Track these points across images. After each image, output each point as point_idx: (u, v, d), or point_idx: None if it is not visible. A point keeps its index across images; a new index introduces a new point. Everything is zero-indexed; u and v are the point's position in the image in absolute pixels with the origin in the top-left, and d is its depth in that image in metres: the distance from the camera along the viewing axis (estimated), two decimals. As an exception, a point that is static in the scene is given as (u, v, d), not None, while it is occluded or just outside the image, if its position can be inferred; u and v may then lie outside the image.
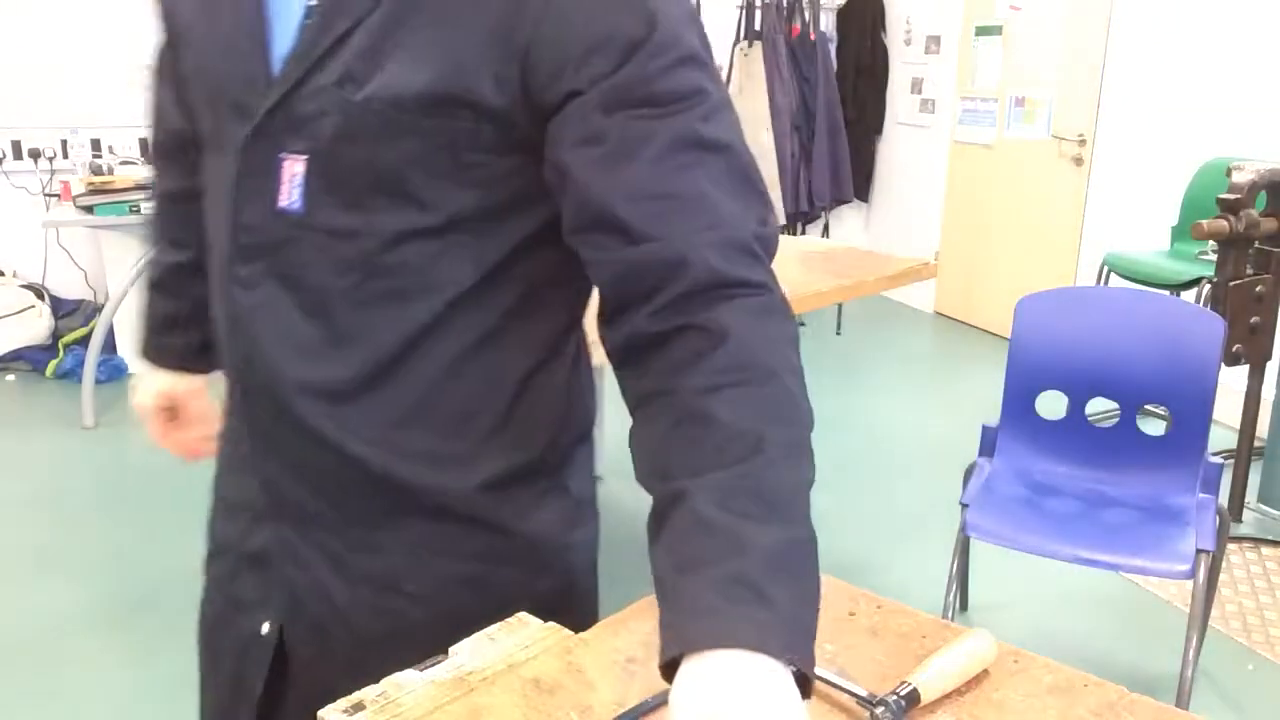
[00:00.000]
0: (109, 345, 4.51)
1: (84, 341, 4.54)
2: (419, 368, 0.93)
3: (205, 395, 1.27)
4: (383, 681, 0.95)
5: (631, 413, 0.82)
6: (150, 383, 1.26)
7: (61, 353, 4.66)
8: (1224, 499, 2.69)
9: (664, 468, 0.77)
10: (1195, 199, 4.22)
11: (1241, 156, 3.65)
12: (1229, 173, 3.09)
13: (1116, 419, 2.49)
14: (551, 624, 1.05)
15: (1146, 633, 2.75)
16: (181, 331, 1.24)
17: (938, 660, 0.90)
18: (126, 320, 4.32)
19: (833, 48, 6.10)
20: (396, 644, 0.95)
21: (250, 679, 1.06)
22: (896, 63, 6.09)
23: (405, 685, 0.94)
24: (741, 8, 5.77)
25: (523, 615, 1.06)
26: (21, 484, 3.64)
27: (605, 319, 0.83)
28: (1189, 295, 3.90)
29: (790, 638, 0.68)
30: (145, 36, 1.23)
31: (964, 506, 2.34)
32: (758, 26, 5.76)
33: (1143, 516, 2.32)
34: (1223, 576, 2.92)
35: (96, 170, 4.54)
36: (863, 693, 0.88)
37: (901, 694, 0.87)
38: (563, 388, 1.01)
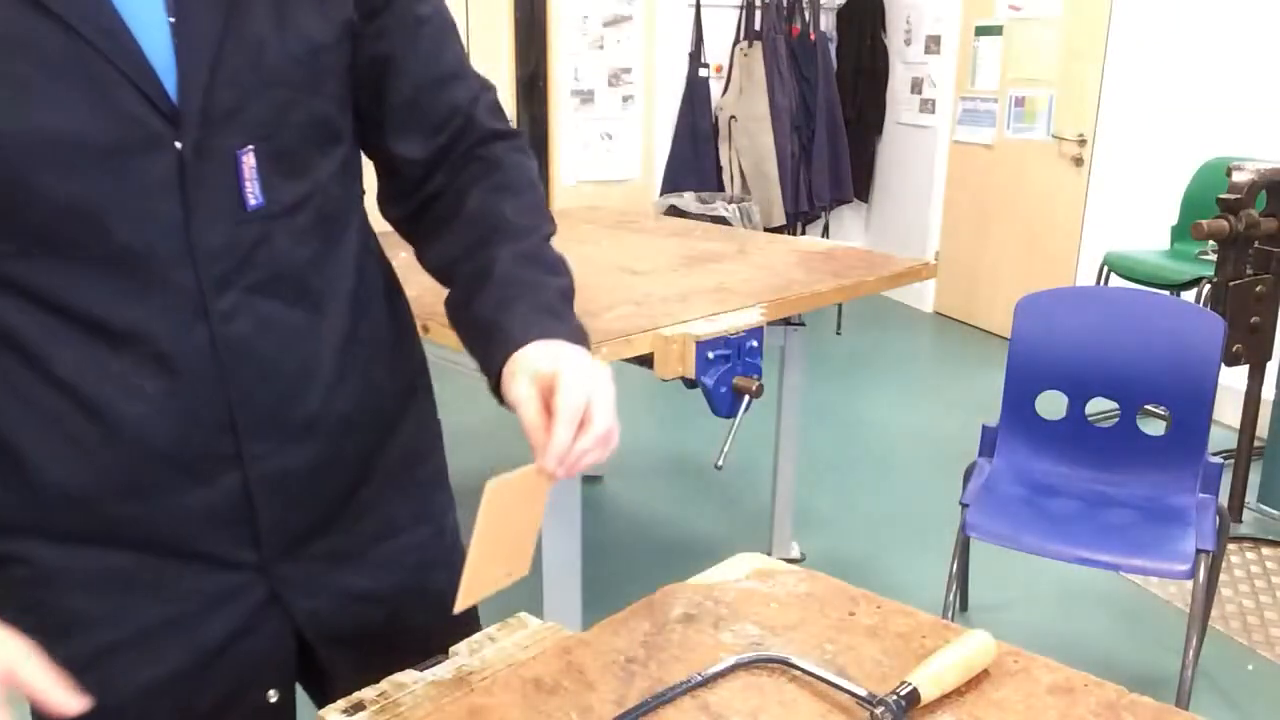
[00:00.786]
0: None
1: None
2: (364, 295, 1.02)
3: None
4: (383, 681, 0.95)
5: (426, 238, 1.04)
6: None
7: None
8: (1224, 499, 2.69)
9: (468, 252, 0.99)
10: (1195, 199, 4.22)
11: (1241, 156, 3.65)
12: (1229, 173, 3.09)
13: (1116, 419, 2.49)
14: (551, 624, 1.05)
15: (1146, 633, 2.75)
16: None
17: (937, 660, 0.90)
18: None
19: (833, 48, 6.10)
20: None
21: None
22: (896, 63, 6.09)
23: (405, 685, 0.94)
24: (741, 8, 5.77)
25: (522, 615, 1.06)
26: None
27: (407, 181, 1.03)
28: (1189, 295, 3.90)
29: (580, 338, 0.94)
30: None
31: (964, 506, 2.34)
32: (758, 27, 5.76)
33: (1143, 516, 2.32)
34: (1223, 576, 2.92)
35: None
36: (862, 693, 0.88)
37: (901, 694, 0.87)
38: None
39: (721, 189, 5.74)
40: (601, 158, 5.58)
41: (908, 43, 5.96)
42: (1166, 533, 2.23)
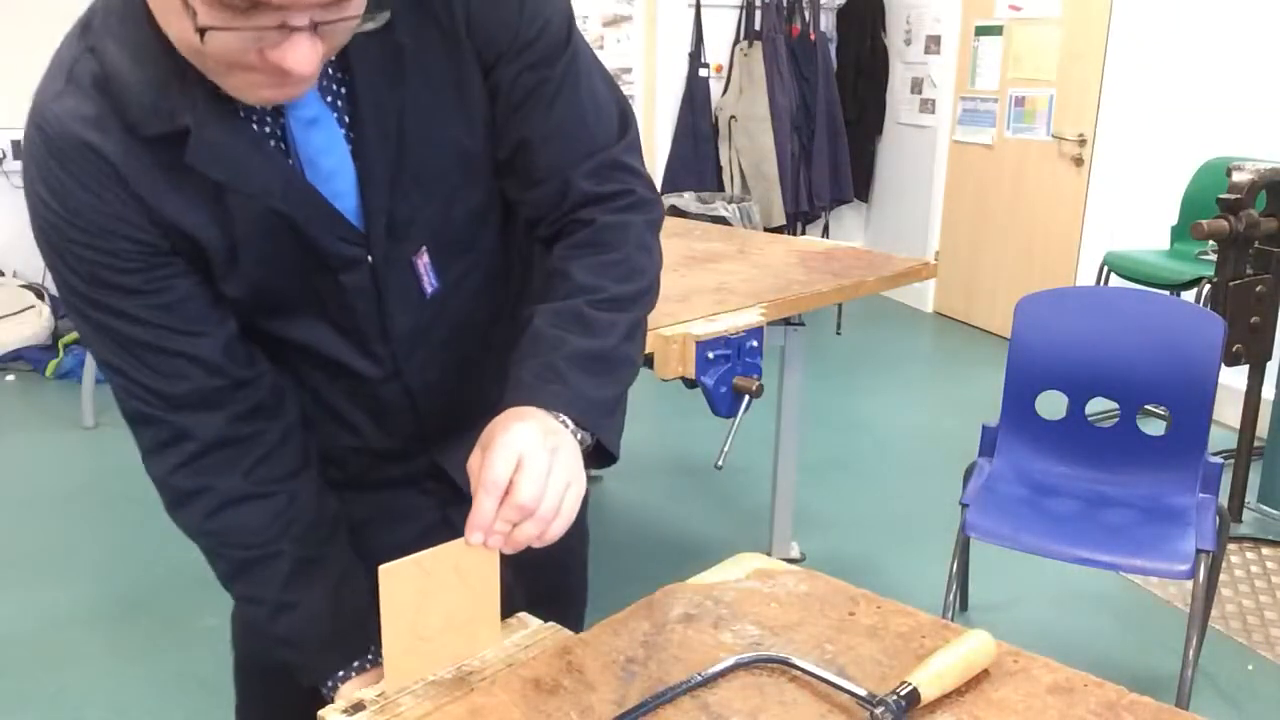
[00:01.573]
0: (109, 345, 4.51)
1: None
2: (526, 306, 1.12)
3: None
4: (381, 681, 0.95)
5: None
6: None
7: (61, 353, 4.65)
8: (1224, 499, 2.69)
9: (535, 303, 1.02)
10: (1195, 199, 4.21)
11: (1241, 156, 3.65)
12: (1229, 173, 3.09)
13: (1116, 419, 2.49)
14: (551, 624, 1.05)
15: (1146, 633, 2.75)
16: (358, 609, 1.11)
17: (937, 660, 0.90)
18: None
19: (833, 48, 6.10)
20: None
21: None
22: (896, 63, 6.09)
23: (405, 685, 0.94)
24: (741, 8, 5.77)
25: (522, 615, 1.06)
26: (21, 484, 3.64)
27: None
28: (1189, 295, 3.89)
29: (576, 407, 0.94)
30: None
31: (964, 506, 2.34)
32: (758, 27, 5.76)
33: (1143, 516, 2.32)
34: (1223, 576, 2.91)
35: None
36: (862, 693, 0.88)
37: (901, 694, 0.87)
38: None
39: (721, 189, 5.74)
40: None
41: (908, 43, 5.95)
42: (1166, 533, 2.23)
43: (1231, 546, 3.11)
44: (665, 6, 5.63)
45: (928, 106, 5.84)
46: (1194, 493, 2.34)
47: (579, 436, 0.94)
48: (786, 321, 2.76)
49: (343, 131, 0.96)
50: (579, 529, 1.35)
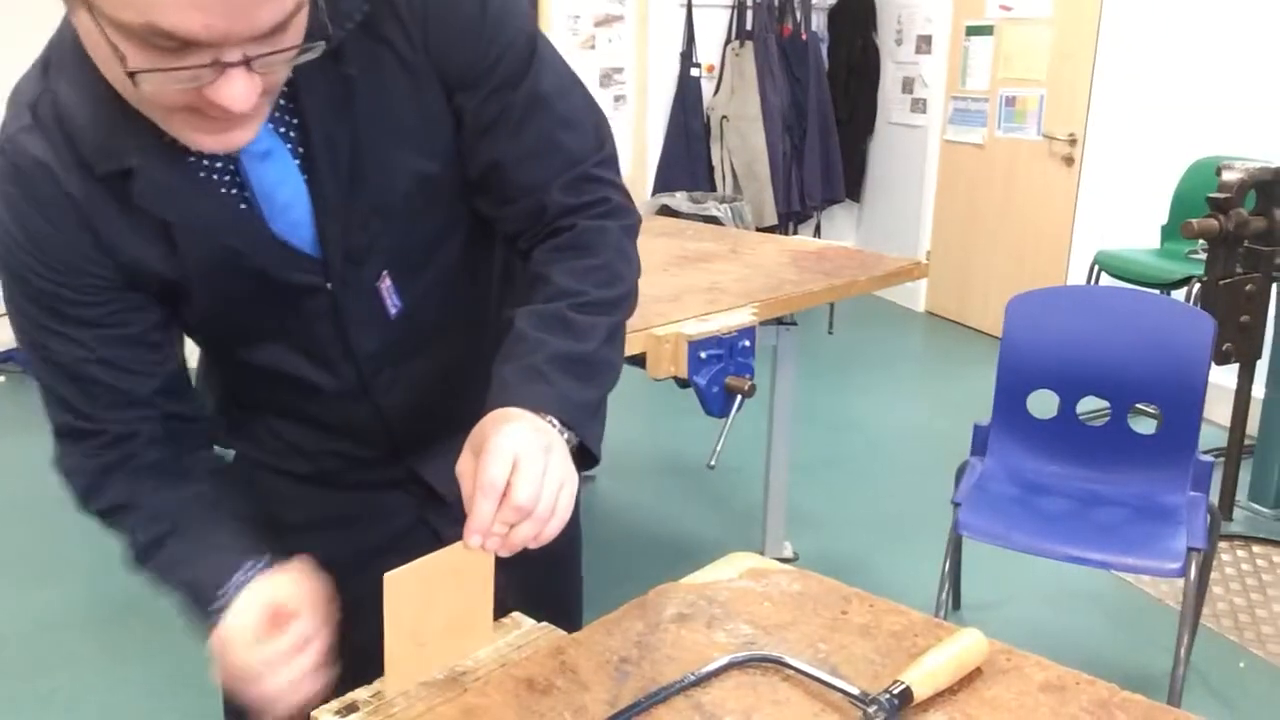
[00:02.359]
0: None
1: (74, 343, 4.51)
2: (499, 313, 1.15)
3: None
4: (375, 682, 0.95)
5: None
6: (237, 613, 0.95)
7: (52, 354, 4.63)
8: (1215, 497, 2.70)
9: (515, 308, 1.02)
10: (1185, 198, 4.23)
11: (1231, 155, 3.66)
12: (1219, 172, 3.10)
13: (1107, 418, 2.49)
14: (544, 624, 1.05)
15: (1138, 631, 2.76)
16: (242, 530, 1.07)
17: (930, 659, 0.91)
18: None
19: (824, 47, 6.10)
20: None
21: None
22: (888, 62, 6.10)
23: (404, 689, 0.94)
24: (733, 8, 5.77)
25: (516, 615, 1.06)
26: (13, 485, 3.63)
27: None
28: (1179, 294, 3.91)
29: (562, 408, 0.94)
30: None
31: (956, 505, 2.34)
32: (749, 26, 5.76)
33: (1134, 515, 2.33)
34: (1214, 574, 2.92)
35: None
36: (855, 691, 0.89)
37: (894, 692, 0.87)
38: None
39: (713, 189, 5.74)
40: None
41: (899, 42, 5.96)
42: (1157, 531, 2.24)
43: (1222, 545, 3.12)
44: (656, 6, 5.63)
45: (919, 106, 5.85)
46: (1185, 491, 2.34)
47: (565, 437, 0.94)
48: (779, 321, 2.77)
49: (296, 163, 0.96)
50: (572, 529, 1.35)
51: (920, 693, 0.88)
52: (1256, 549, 3.15)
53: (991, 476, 2.47)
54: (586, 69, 5.48)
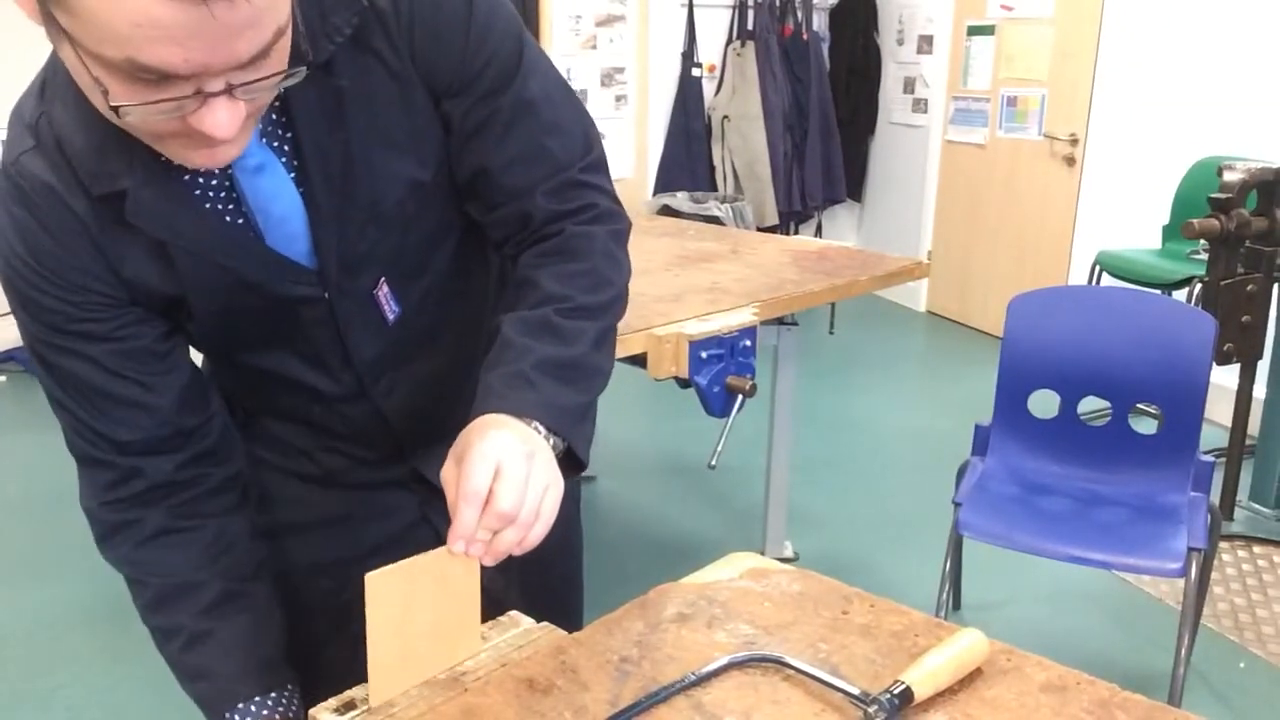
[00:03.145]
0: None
1: (75, 342, 4.52)
2: (493, 314, 1.15)
3: None
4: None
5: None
6: None
7: (53, 353, 4.63)
8: (1215, 497, 2.70)
9: (503, 313, 1.03)
10: (1186, 198, 4.23)
11: (1232, 156, 3.66)
12: (1220, 172, 3.09)
13: (1108, 418, 2.49)
14: (545, 623, 1.05)
15: (1139, 631, 2.76)
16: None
17: (931, 658, 0.91)
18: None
19: (825, 47, 6.10)
20: None
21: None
22: (889, 62, 6.09)
23: (389, 696, 0.94)
24: (734, 8, 5.77)
25: (514, 614, 1.06)
26: (14, 484, 3.63)
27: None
28: (1180, 294, 3.90)
29: (548, 413, 0.94)
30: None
31: (957, 505, 2.34)
32: (750, 26, 5.76)
33: (1135, 515, 2.33)
34: (1214, 575, 2.92)
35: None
36: (856, 691, 0.89)
37: (894, 692, 0.87)
38: None
39: (714, 189, 5.74)
40: (595, 157, 5.57)
41: (900, 42, 5.96)
42: (1158, 531, 2.24)
43: (1223, 545, 3.12)
44: (658, 6, 5.63)
45: (920, 106, 5.85)
46: (1186, 491, 2.34)
47: (551, 442, 0.94)
48: (780, 321, 2.77)
49: (291, 175, 0.96)
50: (573, 529, 1.35)
51: (921, 693, 0.88)
52: (1257, 549, 3.15)
53: (992, 476, 2.47)
54: (588, 69, 5.48)
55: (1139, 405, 2.55)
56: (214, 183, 0.95)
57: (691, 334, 2.19)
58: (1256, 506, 3.38)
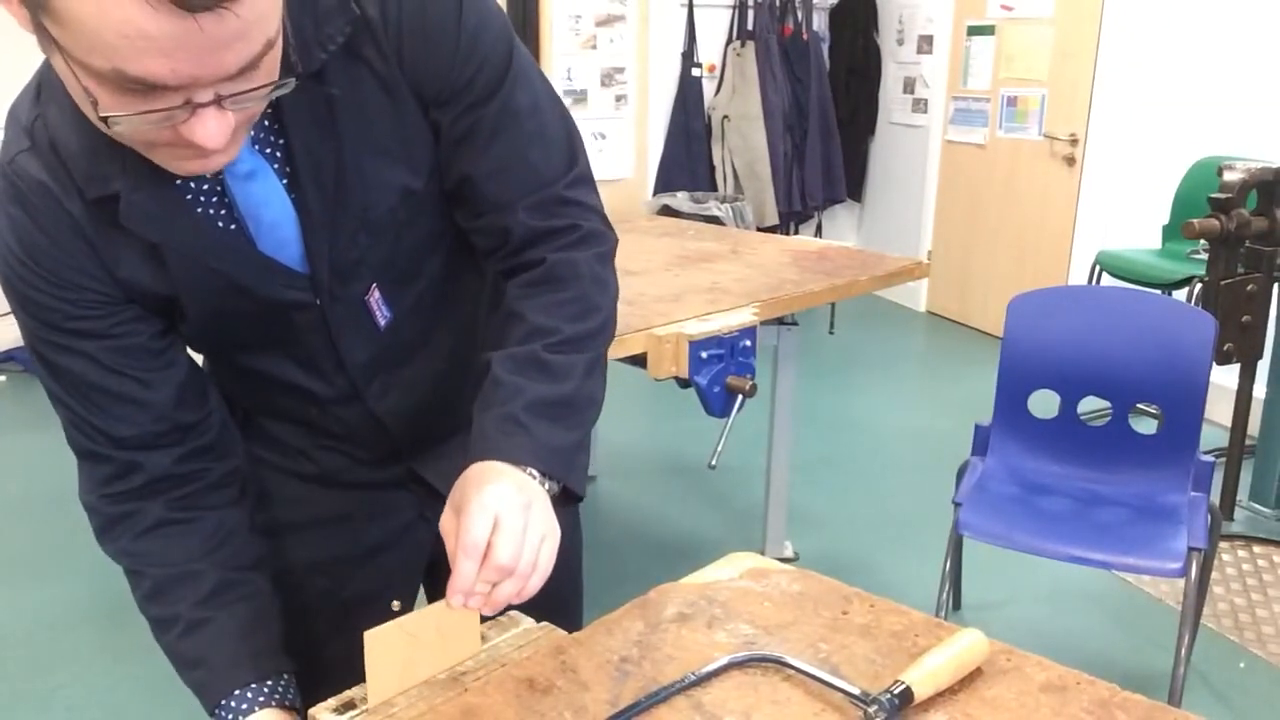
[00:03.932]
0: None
1: (76, 342, 4.51)
2: (485, 313, 1.19)
3: None
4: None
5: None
6: None
7: (53, 353, 4.63)
8: (1215, 497, 2.70)
9: (486, 349, 1.03)
10: (1186, 198, 4.23)
11: (1232, 155, 3.66)
12: (1220, 172, 3.10)
13: (1108, 418, 2.49)
14: (545, 624, 1.05)
15: (1139, 631, 2.76)
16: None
17: (931, 658, 0.91)
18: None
19: (825, 47, 6.10)
20: None
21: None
22: (889, 62, 6.09)
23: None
24: (734, 8, 5.77)
25: (514, 614, 1.06)
26: (14, 484, 3.63)
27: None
28: (1180, 294, 3.90)
29: (542, 458, 0.94)
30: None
31: (957, 505, 2.34)
32: (750, 26, 5.76)
33: (1135, 515, 2.33)
34: (1214, 574, 2.92)
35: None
36: (856, 691, 0.89)
37: (894, 692, 0.87)
38: None
39: (714, 189, 5.74)
40: (594, 158, 5.47)
41: (900, 42, 5.96)
42: (1158, 531, 2.24)
43: (1223, 545, 3.12)
44: (658, 6, 5.63)
45: (920, 106, 5.84)
46: (1186, 491, 2.34)
47: (546, 486, 0.94)
48: (780, 321, 2.77)
49: (283, 182, 0.97)
50: (574, 530, 1.35)
51: (921, 693, 0.88)
52: (1257, 549, 3.15)
53: (992, 476, 2.47)
54: (588, 69, 5.48)
55: (1139, 405, 2.55)
56: (206, 187, 0.95)
57: (691, 334, 2.20)
58: (1256, 506, 3.38)
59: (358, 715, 0.91)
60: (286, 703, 1.04)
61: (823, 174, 5.93)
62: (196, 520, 1.07)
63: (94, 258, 0.95)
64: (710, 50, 5.80)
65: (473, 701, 0.92)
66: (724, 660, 0.95)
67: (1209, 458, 2.36)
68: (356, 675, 0.93)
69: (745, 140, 5.72)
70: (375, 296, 1.06)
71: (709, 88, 5.82)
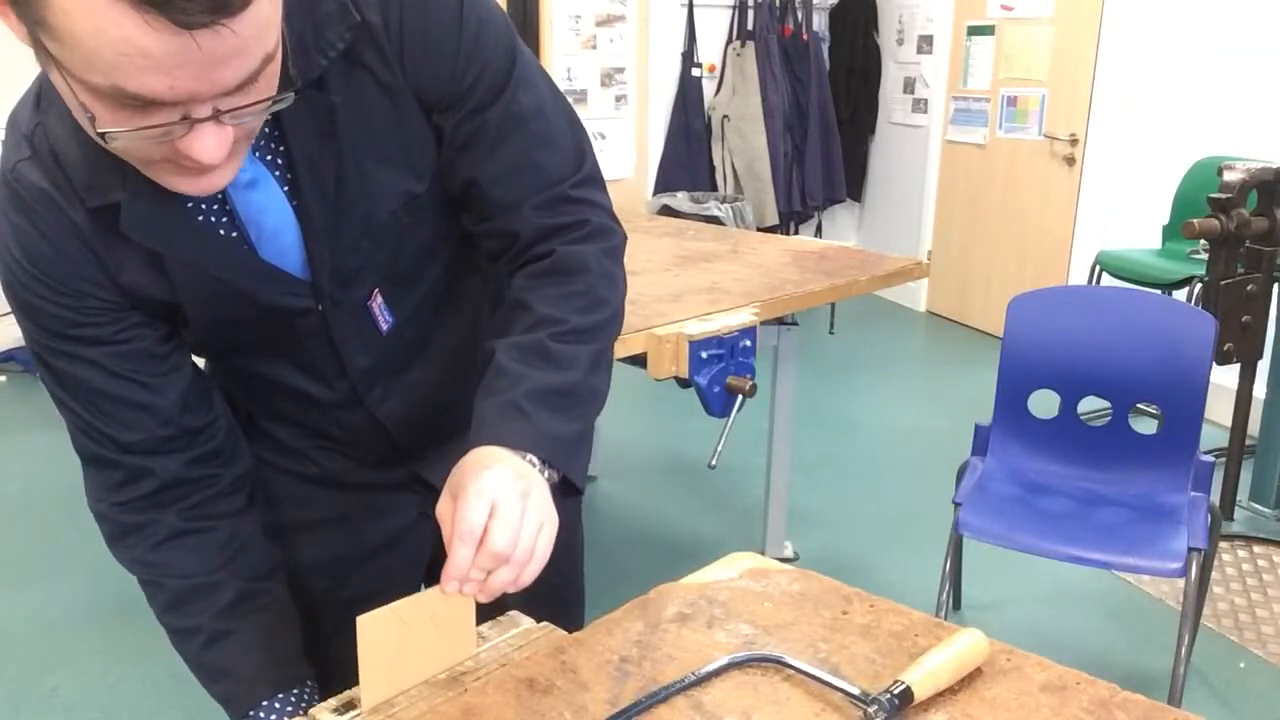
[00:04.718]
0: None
1: (76, 342, 4.51)
2: (485, 315, 1.20)
3: None
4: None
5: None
6: None
7: (53, 353, 4.63)
8: (1216, 497, 2.70)
9: (490, 339, 1.02)
10: (1186, 198, 4.23)
11: (1232, 155, 3.66)
12: (1220, 172, 3.09)
13: (1108, 418, 2.49)
14: (545, 623, 1.05)
15: (1139, 631, 2.76)
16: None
17: (931, 658, 0.91)
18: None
19: (825, 47, 6.10)
20: None
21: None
22: (889, 62, 6.09)
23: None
24: (734, 8, 5.77)
25: (514, 614, 1.06)
26: (14, 485, 3.63)
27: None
28: (1180, 294, 3.90)
29: (542, 446, 0.93)
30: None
31: (957, 505, 2.34)
32: (750, 26, 5.76)
33: (1135, 515, 2.33)
34: (1214, 574, 2.92)
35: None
36: (856, 691, 0.89)
37: (894, 692, 0.87)
38: None
39: (714, 189, 5.74)
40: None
41: (900, 42, 5.96)
42: (1158, 531, 2.24)
43: (1223, 545, 3.12)
44: (658, 6, 5.63)
45: (920, 106, 5.84)
46: (1186, 491, 2.34)
47: (546, 474, 0.94)
48: (780, 321, 2.77)
49: (284, 189, 0.97)
50: (574, 529, 1.35)
51: (921, 693, 0.88)
52: (1257, 549, 3.15)
53: (992, 476, 2.47)
54: (588, 69, 5.48)
55: (1139, 405, 2.55)
56: (206, 195, 0.95)
57: (691, 334, 2.20)
58: (1256, 506, 3.38)
59: (358, 715, 0.91)
60: (303, 709, 1.05)
61: (823, 174, 5.93)
62: (211, 530, 1.07)
63: (97, 265, 0.95)
64: (710, 50, 5.80)
65: (473, 701, 0.92)
66: (724, 660, 0.95)
67: (1209, 458, 2.36)
68: (357, 676, 0.93)
69: (745, 140, 5.72)
70: (377, 302, 1.06)
71: (709, 88, 5.82)
